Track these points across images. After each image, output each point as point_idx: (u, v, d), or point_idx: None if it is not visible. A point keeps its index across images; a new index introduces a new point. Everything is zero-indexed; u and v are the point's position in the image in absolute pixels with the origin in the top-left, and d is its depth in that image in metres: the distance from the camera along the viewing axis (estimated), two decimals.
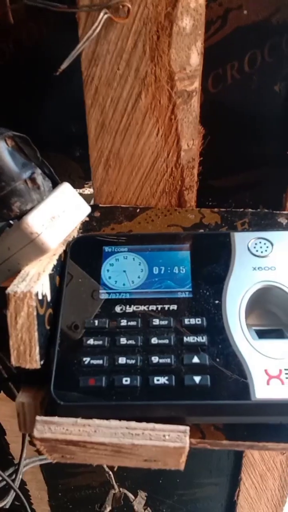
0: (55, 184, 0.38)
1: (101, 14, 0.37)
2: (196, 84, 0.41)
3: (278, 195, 0.47)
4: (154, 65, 0.40)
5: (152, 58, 0.40)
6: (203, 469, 0.79)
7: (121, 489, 0.78)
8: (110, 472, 0.74)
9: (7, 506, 0.58)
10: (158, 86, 0.41)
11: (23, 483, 0.82)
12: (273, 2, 0.40)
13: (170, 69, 0.40)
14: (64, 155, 0.53)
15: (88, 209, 0.39)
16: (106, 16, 0.37)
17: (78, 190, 0.55)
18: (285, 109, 0.44)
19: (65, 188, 0.38)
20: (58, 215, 0.35)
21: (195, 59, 0.40)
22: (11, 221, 0.39)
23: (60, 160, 0.54)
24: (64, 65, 0.38)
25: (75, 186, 0.55)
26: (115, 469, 0.72)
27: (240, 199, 0.50)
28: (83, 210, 0.38)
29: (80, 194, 0.55)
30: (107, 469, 0.73)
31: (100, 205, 0.48)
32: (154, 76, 0.41)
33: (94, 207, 0.47)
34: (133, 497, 0.80)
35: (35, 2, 0.38)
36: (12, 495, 0.55)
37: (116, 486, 0.77)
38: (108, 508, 0.76)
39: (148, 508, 0.82)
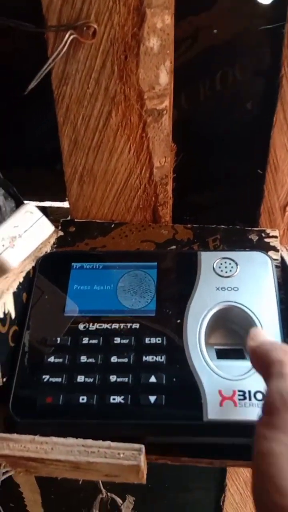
0: (19, 204, 0.39)
1: (67, 35, 0.37)
2: (166, 102, 0.42)
3: (252, 211, 0.47)
4: (123, 84, 0.41)
5: (120, 77, 0.40)
6: (191, 474, 0.80)
7: (108, 493, 0.79)
8: (98, 480, 0.74)
9: None
10: (128, 105, 0.42)
11: (16, 486, 0.83)
12: (242, 22, 0.40)
13: (139, 88, 0.41)
14: (44, 168, 0.53)
15: (51, 229, 0.40)
16: (72, 36, 0.38)
17: (59, 203, 0.56)
18: (257, 127, 0.44)
19: (27, 209, 0.38)
20: (19, 235, 0.36)
21: (164, 78, 0.40)
22: None
23: (41, 173, 0.54)
24: (32, 84, 0.39)
25: (56, 199, 0.56)
26: None
27: (217, 215, 0.50)
28: (47, 229, 0.39)
29: (61, 207, 0.56)
30: None
31: (76, 219, 0.48)
32: (123, 95, 0.41)
33: (69, 222, 0.48)
34: (121, 501, 0.81)
35: (5, 21, 0.39)
36: None
37: (103, 491, 0.78)
38: None
39: None
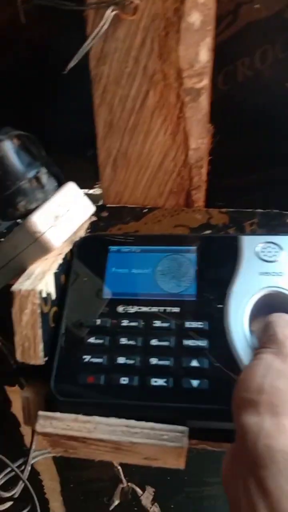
0: (60, 184, 0.38)
1: (108, 11, 0.36)
2: (206, 81, 0.41)
3: None
4: (162, 62, 0.40)
5: (160, 55, 0.39)
6: (211, 468, 0.79)
7: (129, 484, 0.78)
8: (119, 467, 0.74)
9: (16, 496, 0.59)
10: (166, 84, 0.41)
11: (36, 474, 0.83)
12: None
13: (179, 66, 0.40)
14: (75, 154, 0.53)
15: (92, 209, 0.39)
16: (113, 13, 0.37)
17: (88, 190, 0.55)
18: None
19: (70, 187, 0.38)
20: (62, 214, 0.36)
21: (204, 55, 0.39)
22: (19, 220, 0.39)
23: (72, 159, 0.54)
24: (71, 64, 0.38)
25: (86, 185, 0.55)
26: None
27: (251, 200, 0.49)
28: (88, 209, 0.38)
29: (91, 194, 0.55)
30: (115, 464, 0.73)
31: (108, 205, 0.48)
32: (162, 74, 0.40)
33: (101, 207, 0.47)
34: (141, 492, 0.80)
35: (44, 1, 0.38)
36: (20, 485, 0.56)
37: (124, 481, 0.77)
38: (116, 502, 0.77)
39: (156, 504, 0.82)
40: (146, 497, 0.82)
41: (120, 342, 0.35)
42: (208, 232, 0.45)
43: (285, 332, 0.31)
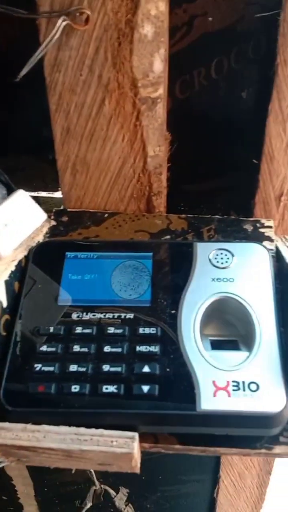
0: (10, 191, 0.39)
1: (59, 21, 0.37)
2: (161, 91, 0.41)
3: (247, 201, 0.47)
4: (116, 72, 0.40)
5: (114, 64, 0.40)
6: (185, 466, 0.80)
7: (102, 485, 0.79)
8: (91, 469, 0.75)
9: None
10: (121, 93, 0.41)
11: (9, 479, 0.83)
12: (237, 9, 0.40)
13: (133, 75, 0.40)
14: (37, 158, 0.53)
15: (44, 216, 0.39)
16: (65, 23, 0.37)
17: (51, 193, 0.55)
18: (252, 116, 0.43)
19: (20, 195, 0.38)
20: (10, 222, 0.36)
21: (158, 66, 0.40)
22: None
23: (34, 163, 0.54)
24: (24, 71, 0.38)
25: (49, 189, 0.56)
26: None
27: (212, 205, 0.50)
28: (39, 217, 0.38)
29: (54, 197, 0.55)
30: None
31: (69, 209, 0.48)
32: (117, 83, 0.41)
33: (62, 212, 0.47)
34: (114, 493, 0.81)
35: None
36: None
37: (97, 483, 0.78)
38: (89, 504, 0.78)
39: (130, 505, 0.83)
40: (120, 498, 0.82)
41: (73, 350, 0.36)
42: (167, 237, 0.45)
43: None
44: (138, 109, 0.42)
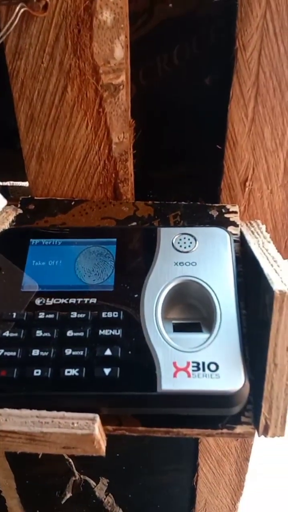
0: None
1: (17, 7, 0.37)
2: (123, 77, 0.41)
3: (213, 187, 0.48)
4: (77, 59, 0.40)
5: (75, 51, 0.40)
6: (165, 456, 0.81)
7: (82, 476, 0.79)
8: (70, 460, 0.75)
9: None
10: (83, 80, 0.41)
11: None
12: None
13: (94, 62, 0.40)
14: (5, 147, 0.53)
15: (4, 202, 0.39)
16: (23, 9, 0.37)
17: (20, 182, 0.55)
18: (215, 101, 0.44)
19: None
20: None
21: (119, 52, 0.40)
22: None
23: (2, 152, 0.54)
24: None
25: (18, 178, 0.55)
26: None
27: (180, 192, 0.50)
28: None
29: (22, 186, 0.55)
30: (66, 457, 0.74)
31: (35, 197, 0.48)
32: (78, 70, 0.41)
33: (28, 200, 0.47)
34: (94, 483, 0.81)
35: None
36: None
37: (76, 473, 0.78)
38: (68, 495, 0.78)
39: (110, 494, 0.83)
40: (100, 488, 0.83)
41: (36, 335, 0.36)
42: (133, 224, 0.46)
43: None
44: (101, 95, 0.42)
